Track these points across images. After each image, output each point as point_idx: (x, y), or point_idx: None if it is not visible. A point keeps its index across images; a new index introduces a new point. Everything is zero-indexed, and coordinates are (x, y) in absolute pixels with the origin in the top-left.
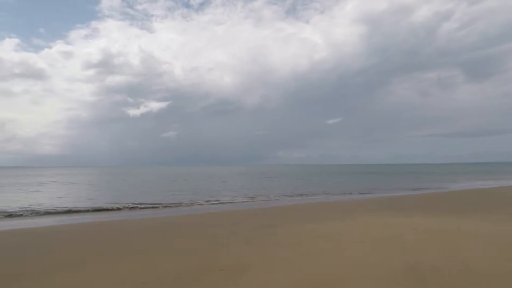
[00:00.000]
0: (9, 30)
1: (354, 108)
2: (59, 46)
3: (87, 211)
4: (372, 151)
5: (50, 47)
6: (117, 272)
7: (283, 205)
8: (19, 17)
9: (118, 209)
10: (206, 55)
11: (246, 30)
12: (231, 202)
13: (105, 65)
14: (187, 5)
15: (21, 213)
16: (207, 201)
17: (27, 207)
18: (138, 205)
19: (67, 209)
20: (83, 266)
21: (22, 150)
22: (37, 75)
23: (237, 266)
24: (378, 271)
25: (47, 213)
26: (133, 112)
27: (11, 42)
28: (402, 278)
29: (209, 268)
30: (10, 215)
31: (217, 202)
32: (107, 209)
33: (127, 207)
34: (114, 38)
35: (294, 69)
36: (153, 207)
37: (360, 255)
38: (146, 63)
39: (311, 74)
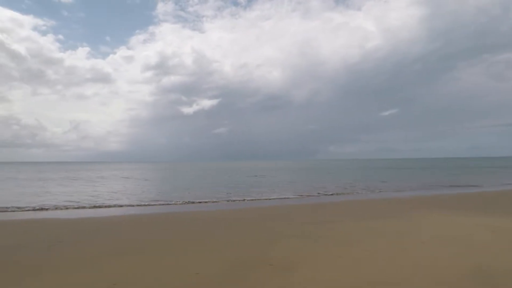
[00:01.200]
0: (81, 40)
1: (412, 97)
2: (122, 52)
3: (144, 205)
4: (439, 143)
5: (114, 53)
6: (172, 261)
7: (337, 201)
8: (89, 28)
9: (174, 203)
10: (254, 51)
11: (294, 23)
12: (283, 198)
13: (161, 66)
14: (235, 3)
15: (84, 204)
16: (259, 196)
17: (92, 200)
18: (191, 200)
19: (129, 202)
20: (140, 253)
21: (93, 147)
22: (104, 79)
23: (289, 261)
24: (442, 273)
25: (107, 206)
26: (186, 110)
27: (83, 51)
28: (469, 283)
29: (261, 263)
30: (79, 207)
31: (269, 197)
32: (162, 204)
33: (182, 202)
34: (169, 40)
35: (345, 60)
36: (205, 202)
37: (422, 256)
38: (198, 62)
39: (363, 64)
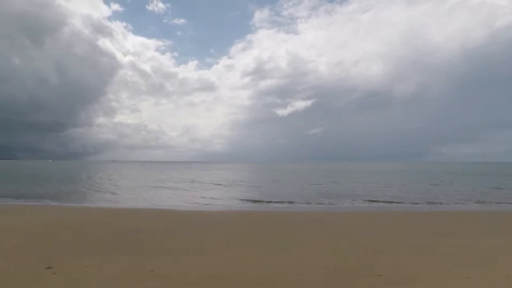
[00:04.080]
0: (191, 55)
1: None
2: (224, 61)
3: (248, 202)
4: None
5: (217, 63)
6: (275, 259)
7: (455, 210)
8: (197, 43)
9: (275, 202)
10: (351, 47)
11: (397, 12)
12: (388, 203)
13: (258, 72)
14: (330, 0)
15: (201, 199)
16: (359, 200)
17: (207, 196)
18: (292, 200)
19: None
20: (246, 248)
21: (200, 148)
22: (209, 87)
23: (401, 274)
24: None
25: (217, 199)
26: (281, 112)
27: (192, 64)
28: None
29: (366, 272)
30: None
31: (371, 202)
32: (263, 201)
33: (285, 202)
34: (264, 46)
35: (464, 45)
36: (306, 203)
37: None
38: (293, 64)
39: (489, 47)
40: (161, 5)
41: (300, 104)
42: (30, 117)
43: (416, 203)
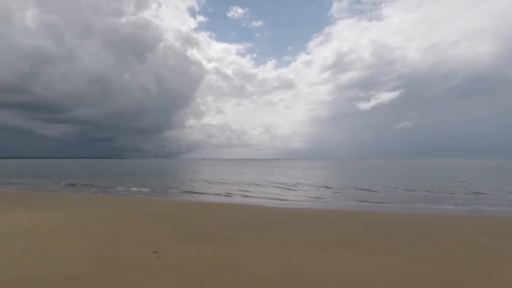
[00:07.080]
0: (269, 55)
1: None
2: (301, 58)
3: (335, 202)
4: None
5: (295, 60)
6: (363, 263)
7: None
8: (274, 43)
9: (368, 202)
10: (447, 26)
11: None
12: (507, 206)
13: (338, 65)
14: None
15: (284, 197)
16: (463, 203)
17: (293, 194)
18: (387, 201)
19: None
20: (327, 248)
21: (281, 146)
22: (288, 85)
23: None
24: None
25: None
26: (364, 105)
27: (271, 64)
28: None
29: (478, 286)
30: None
31: (481, 207)
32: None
33: (386, 202)
34: (344, 37)
35: None
36: (399, 204)
37: None
38: (377, 53)
39: None
40: (240, 10)
41: (386, 96)
42: (136, 123)
43: None
